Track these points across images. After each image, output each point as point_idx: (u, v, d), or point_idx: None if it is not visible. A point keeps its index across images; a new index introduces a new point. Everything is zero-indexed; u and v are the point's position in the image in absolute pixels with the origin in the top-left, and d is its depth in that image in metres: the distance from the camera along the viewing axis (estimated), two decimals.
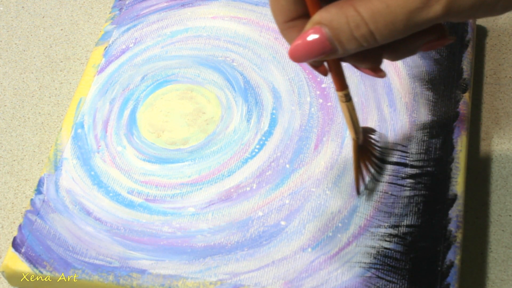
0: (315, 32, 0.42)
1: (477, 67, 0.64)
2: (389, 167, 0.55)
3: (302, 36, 0.42)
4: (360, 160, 0.53)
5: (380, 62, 0.46)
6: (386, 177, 0.54)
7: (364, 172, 0.54)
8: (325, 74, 0.47)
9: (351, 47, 0.42)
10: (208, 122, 0.59)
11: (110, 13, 0.66)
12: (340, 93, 0.47)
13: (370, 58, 0.45)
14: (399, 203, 0.53)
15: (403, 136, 0.56)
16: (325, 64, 0.46)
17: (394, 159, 0.55)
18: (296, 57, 0.43)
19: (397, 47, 0.44)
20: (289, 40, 0.45)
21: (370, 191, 0.54)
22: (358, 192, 0.54)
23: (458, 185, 0.54)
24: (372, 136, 0.55)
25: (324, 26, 0.41)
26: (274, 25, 0.64)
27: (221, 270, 0.51)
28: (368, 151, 0.53)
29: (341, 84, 0.47)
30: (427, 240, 0.51)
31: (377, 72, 0.46)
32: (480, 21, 0.68)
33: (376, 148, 0.55)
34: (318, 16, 0.42)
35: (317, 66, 0.46)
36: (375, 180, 0.54)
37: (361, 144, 0.52)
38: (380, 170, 0.55)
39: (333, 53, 0.42)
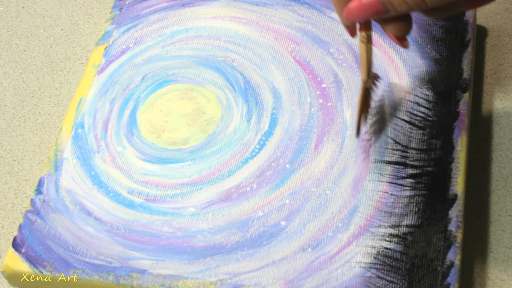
0: None
1: (477, 67, 0.64)
2: (389, 167, 0.55)
3: None
4: (364, 102, 0.55)
5: (409, 29, 0.49)
6: (386, 177, 0.54)
7: (366, 115, 0.56)
8: (353, 35, 0.52)
9: (402, 9, 0.46)
10: (208, 122, 0.59)
11: (110, 13, 0.66)
12: (364, 34, 0.51)
13: (398, 22, 0.49)
14: (399, 203, 0.53)
15: (403, 136, 0.56)
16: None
17: (394, 159, 0.55)
18: (350, 16, 0.49)
19: (440, 8, 0.48)
20: (338, 5, 0.50)
21: (375, 133, 0.56)
22: (358, 134, 0.56)
23: (458, 185, 0.54)
24: (376, 82, 0.56)
25: None
26: (274, 25, 0.64)
27: (221, 270, 0.51)
28: (370, 96, 0.56)
29: (368, 25, 0.51)
30: (427, 240, 0.51)
31: (402, 41, 0.50)
32: (480, 21, 0.68)
33: (374, 95, 0.57)
34: None
35: (349, 26, 0.51)
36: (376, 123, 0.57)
37: (368, 87, 0.54)
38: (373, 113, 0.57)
39: (385, 14, 0.47)
